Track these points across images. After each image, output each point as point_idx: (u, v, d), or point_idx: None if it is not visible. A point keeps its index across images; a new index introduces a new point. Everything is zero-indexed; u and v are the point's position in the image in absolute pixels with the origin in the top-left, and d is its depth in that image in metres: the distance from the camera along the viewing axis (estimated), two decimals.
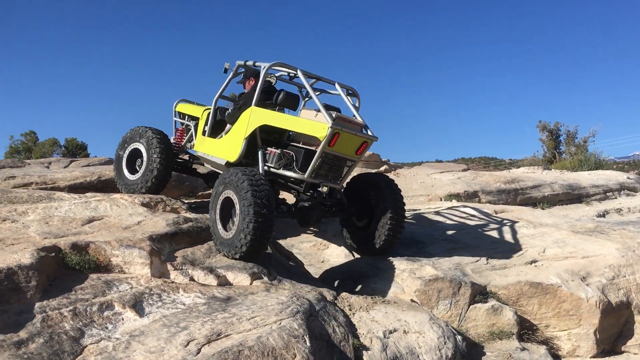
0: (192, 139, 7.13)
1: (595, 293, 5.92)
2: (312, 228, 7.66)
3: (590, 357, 5.80)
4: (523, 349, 5.36)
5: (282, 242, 7.14)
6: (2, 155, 31.64)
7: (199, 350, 3.46)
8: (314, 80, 6.29)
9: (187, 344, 3.52)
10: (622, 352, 6.07)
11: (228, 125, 6.48)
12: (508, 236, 7.26)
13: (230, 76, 6.73)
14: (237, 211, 5.15)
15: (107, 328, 3.62)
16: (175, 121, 7.49)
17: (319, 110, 5.67)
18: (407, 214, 6.99)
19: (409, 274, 5.82)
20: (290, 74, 6.60)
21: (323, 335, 4.15)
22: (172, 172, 7.01)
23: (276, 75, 6.58)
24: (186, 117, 7.42)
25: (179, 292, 4.31)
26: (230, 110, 6.54)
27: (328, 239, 7.38)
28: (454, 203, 9.25)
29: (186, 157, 7.46)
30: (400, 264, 6.00)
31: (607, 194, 13.36)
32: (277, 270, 5.31)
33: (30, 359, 3.09)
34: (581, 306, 5.85)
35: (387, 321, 4.76)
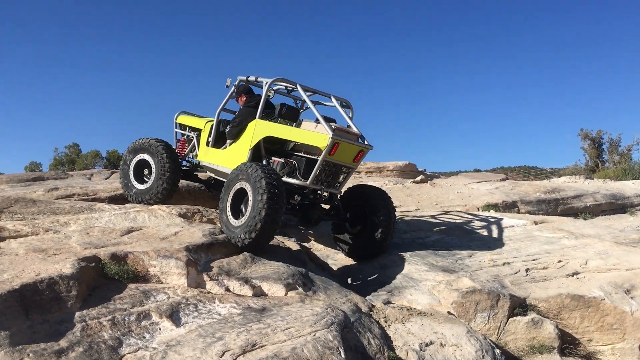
0: (194, 149, 7.59)
1: None
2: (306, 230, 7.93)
3: None
4: None
5: (317, 253, 7.15)
6: (47, 167, 32.73)
7: None
8: (310, 93, 6.73)
9: (223, 355, 3.53)
10: None
11: (228, 141, 6.90)
12: (548, 247, 7.09)
13: (231, 90, 7.20)
14: (250, 200, 5.47)
15: (144, 338, 3.67)
16: (176, 132, 7.97)
17: (318, 122, 6.11)
18: (443, 221, 6.94)
19: (445, 286, 5.74)
20: (289, 88, 7.06)
21: (358, 347, 4.11)
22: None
23: (274, 89, 6.88)
24: (187, 128, 7.86)
25: (214, 303, 4.34)
26: (229, 127, 6.91)
27: None
28: (492, 213, 9.08)
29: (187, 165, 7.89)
30: (437, 276, 5.93)
31: None
32: (312, 281, 5.31)
33: None
34: (625, 320, 5.67)
35: (423, 333, 4.69)
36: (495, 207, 10.36)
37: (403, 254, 6.67)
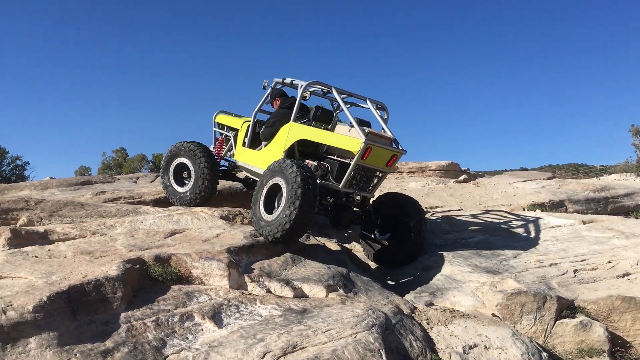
0: (232, 149, 7.64)
1: None
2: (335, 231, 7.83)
3: None
4: None
5: (358, 254, 7.13)
6: (96, 171, 33.70)
7: None
8: (345, 95, 6.72)
9: (264, 356, 3.56)
10: None
11: (263, 142, 6.97)
12: (597, 248, 6.86)
13: (268, 92, 7.23)
14: (284, 195, 5.52)
15: (187, 338, 3.73)
16: (215, 131, 8.03)
17: (352, 125, 6.09)
18: (486, 221, 6.81)
19: (489, 287, 5.62)
20: (324, 90, 7.02)
21: (400, 350, 4.07)
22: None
23: (310, 90, 6.87)
24: (225, 127, 7.91)
25: (255, 304, 4.37)
26: (263, 128, 6.99)
27: None
28: (538, 213, 8.85)
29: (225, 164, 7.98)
30: (480, 277, 5.81)
31: None
32: (353, 283, 5.29)
33: None
34: None
35: (466, 336, 4.61)
36: (541, 206, 10.11)
37: (445, 254, 6.57)
